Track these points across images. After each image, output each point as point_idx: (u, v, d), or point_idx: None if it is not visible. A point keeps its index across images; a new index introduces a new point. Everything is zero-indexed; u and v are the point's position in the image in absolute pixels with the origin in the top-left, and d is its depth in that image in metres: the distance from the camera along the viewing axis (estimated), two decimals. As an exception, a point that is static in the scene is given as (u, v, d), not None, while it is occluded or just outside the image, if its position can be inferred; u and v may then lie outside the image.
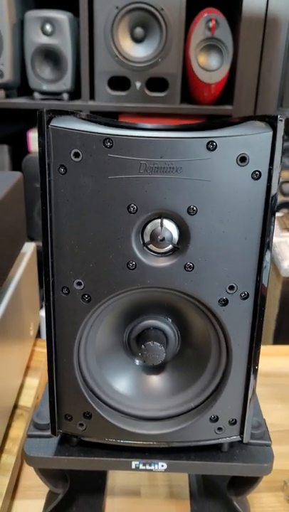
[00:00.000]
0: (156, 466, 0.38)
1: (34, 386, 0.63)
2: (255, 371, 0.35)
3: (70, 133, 0.30)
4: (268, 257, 0.32)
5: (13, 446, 0.53)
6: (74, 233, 0.32)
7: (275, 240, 1.05)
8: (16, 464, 0.51)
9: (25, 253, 0.67)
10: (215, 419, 0.36)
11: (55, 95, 1.21)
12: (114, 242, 0.31)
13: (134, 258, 0.32)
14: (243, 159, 0.30)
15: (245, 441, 0.37)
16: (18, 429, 0.55)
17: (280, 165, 0.30)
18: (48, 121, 0.30)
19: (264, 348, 0.81)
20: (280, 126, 0.30)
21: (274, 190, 0.31)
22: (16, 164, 1.28)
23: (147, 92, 1.20)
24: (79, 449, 0.38)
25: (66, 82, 1.18)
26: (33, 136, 1.24)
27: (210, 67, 1.14)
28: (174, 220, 0.31)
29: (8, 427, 0.55)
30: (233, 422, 0.36)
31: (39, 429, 0.39)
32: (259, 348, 0.34)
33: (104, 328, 0.36)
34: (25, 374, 0.65)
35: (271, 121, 0.30)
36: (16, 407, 0.59)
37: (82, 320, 0.33)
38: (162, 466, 0.38)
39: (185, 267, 0.32)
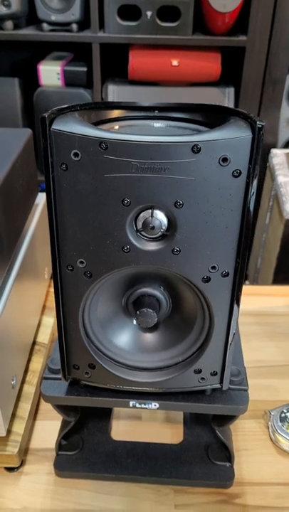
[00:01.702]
0: (149, 405, 0.45)
1: (50, 324, 0.71)
2: (234, 335, 0.41)
3: (70, 136, 0.33)
4: (246, 241, 0.37)
5: (33, 378, 0.62)
6: (75, 221, 0.36)
7: (282, 179, 1.06)
8: (36, 393, 0.60)
9: (38, 204, 0.71)
10: (199, 371, 0.42)
11: (64, 26, 1.17)
12: (111, 229, 0.36)
13: (129, 243, 0.36)
14: (224, 160, 0.33)
15: (224, 388, 0.44)
16: (37, 363, 0.64)
17: (258, 163, 0.34)
18: (50, 123, 0.34)
19: (261, 288, 0.87)
20: (260, 129, 0.33)
21: (253, 185, 0.34)
22: (27, 98, 1.27)
23: (158, 21, 1.15)
24: (86, 390, 0.46)
25: (75, 12, 1.14)
26: (43, 69, 1.23)
27: (224, -5, 1.09)
28: (164, 211, 0.35)
29: (28, 361, 0.64)
30: (214, 374, 0.43)
31: (53, 373, 0.47)
32: (237, 315, 0.40)
33: (105, 296, 0.41)
34: (42, 313, 0.72)
35: (252, 124, 0.33)
36: (34, 343, 0.67)
37: (84, 292, 0.39)
38: (155, 405, 0.45)
39: (173, 251, 0.36)
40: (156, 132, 0.42)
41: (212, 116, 0.40)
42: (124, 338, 0.43)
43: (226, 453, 0.53)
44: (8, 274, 0.56)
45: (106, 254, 0.37)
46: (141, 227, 0.36)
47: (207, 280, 0.38)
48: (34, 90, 1.24)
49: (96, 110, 0.41)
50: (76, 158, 0.34)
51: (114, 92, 1.23)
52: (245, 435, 0.59)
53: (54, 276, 0.39)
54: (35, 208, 0.70)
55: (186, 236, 0.36)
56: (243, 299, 0.90)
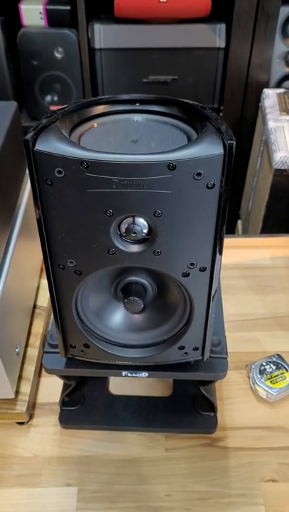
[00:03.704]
0: (140, 374, 0.51)
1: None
2: (212, 318, 0.45)
3: (53, 156, 0.35)
4: (221, 240, 0.40)
5: (35, 341, 0.67)
6: (63, 228, 0.39)
7: (272, 125, 1.05)
8: (39, 355, 0.66)
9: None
10: (182, 348, 0.48)
11: None
12: (97, 235, 0.39)
13: (113, 246, 0.40)
14: (198, 174, 0.35)
15: (204, 360, 0.49)
16: (38, 326, 0.69)
17: (230, 175, 0.36)
18: (34, 143, 0.35)
19: (248, 241, 0.91)
20: (231, 146, 0.35)
21: (225, 195, 0.37)
22: (10, 39, 1.22)
23: None
24: (83, 363, 0.51)
25: None
26: (24, 8, 1.17)
27: None
28: (144, 218, 0.38)
29: (30, 324, 0.69)
30: (196, 349, 0.48)
31: (52, 347, 0.52)
32: (214, 301, 0.44)
33: (96, 286, 0.45)
34: (40, 276, 0.77)
35: (224, 139, 0.35)
36: (34, 306, 0.72)
37: (76, 286, 0.43)
38: (144, 374, 0.51)
39: (154, 252, 0.40)
40: (136, 128, 0.43)
41: (188, 112, 0.41)
42: (115, 320, 0.48)
43: (210, 404, 0.60)
44: (8, 242, 0.59)
45: (93, 256, 0.40)
46: (124, 232, 0.39)
47: (187, 275, 0.41)
48: (16, 30, 1.19)
49: (77, 111, 0.42)
50: (60, 175, 0.36)
51: (101, 32, 1.17)
52: (229, 385, 0.66)
53: (47, 273, 0.43)
54: (26, 178, 0.72)
55: (166, 240, 0.39)
56: (230, 252, 0.94)
